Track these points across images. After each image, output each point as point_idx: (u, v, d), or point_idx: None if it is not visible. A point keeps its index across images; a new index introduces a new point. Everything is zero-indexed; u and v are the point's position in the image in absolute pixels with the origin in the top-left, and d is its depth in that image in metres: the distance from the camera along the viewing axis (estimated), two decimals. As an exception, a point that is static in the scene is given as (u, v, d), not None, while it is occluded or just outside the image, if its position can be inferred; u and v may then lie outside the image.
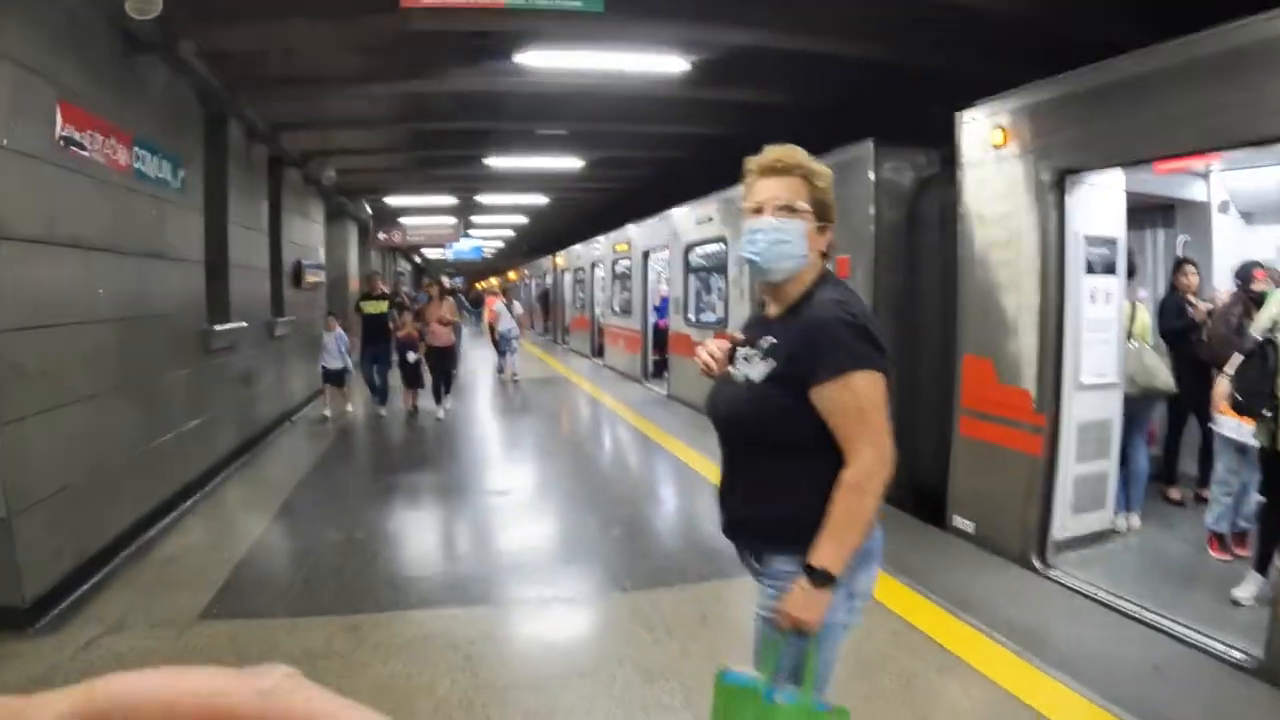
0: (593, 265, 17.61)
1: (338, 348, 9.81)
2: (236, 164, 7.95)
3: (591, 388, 13.28)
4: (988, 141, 5.03)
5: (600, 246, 16.59)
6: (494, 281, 37.36)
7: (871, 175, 6.22)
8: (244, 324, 7.74)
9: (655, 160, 12.56)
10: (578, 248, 19.29)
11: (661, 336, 12.93)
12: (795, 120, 8.69)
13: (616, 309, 15.48)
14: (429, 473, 7.70)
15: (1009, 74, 5.06)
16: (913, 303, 6.17)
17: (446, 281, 18.37)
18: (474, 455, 8.69)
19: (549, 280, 24.62)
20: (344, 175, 12.58)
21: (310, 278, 11.49)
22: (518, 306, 16.44)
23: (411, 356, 10.09)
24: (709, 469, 7.10)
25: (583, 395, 12.87)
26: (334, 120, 9.38)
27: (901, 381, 6.60)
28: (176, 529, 5.69)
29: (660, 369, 13.04)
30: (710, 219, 9.77)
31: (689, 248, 10.78)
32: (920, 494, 5.87)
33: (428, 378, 10.33)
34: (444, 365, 10.20)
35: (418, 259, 33.01)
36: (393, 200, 16.49)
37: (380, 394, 10.28)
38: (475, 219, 20.99)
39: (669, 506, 6.61)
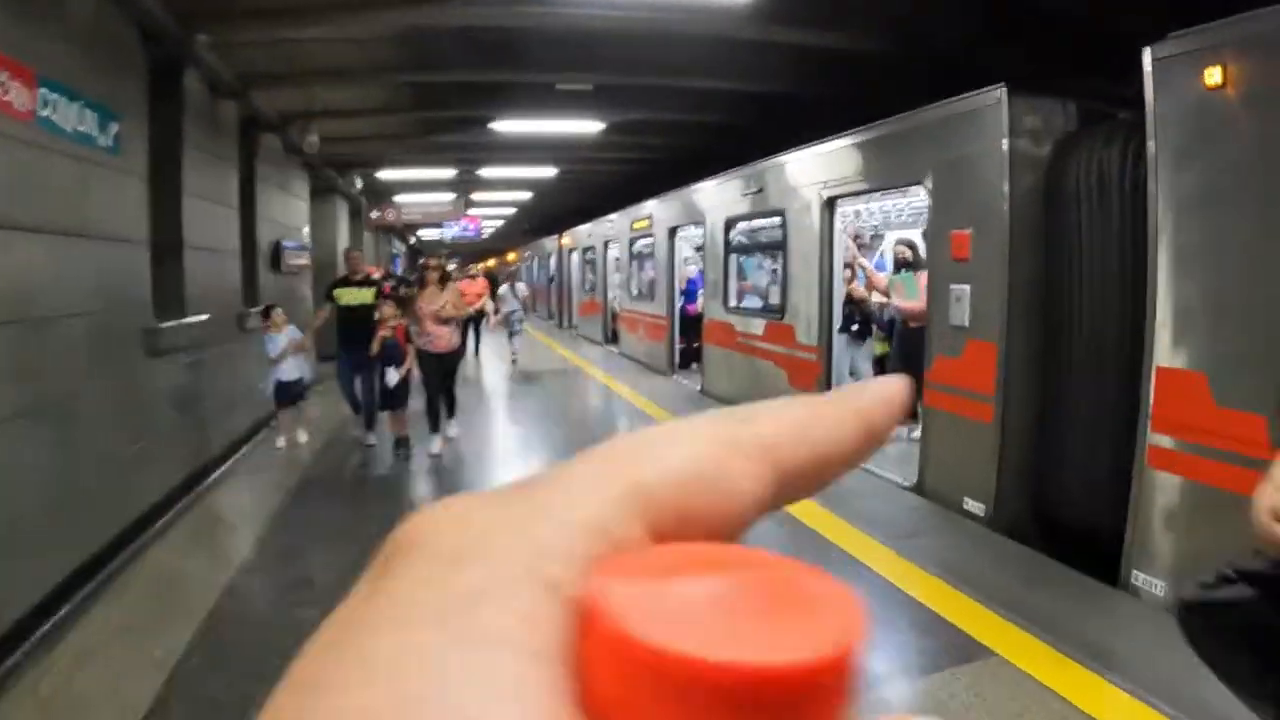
0: (605, 244, 16.06)
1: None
2: (196, 123, 6.47)
3: (613, 382, 11.71)
4: (1197, 85, 3.69)
5: (614, 223, 15.06)
6: (491, 263, 35.88)
7: (1005, 132, 4.96)
8: (204, 317, 6.29)
9: (684, 126, 10.99)
10: (587, 226, 17.75)
11: (690, 323, 11.47)
12: (875, 74, 7.27)
13: (635, 292, 13.94)
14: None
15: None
16: (1050, 294, 4.97)
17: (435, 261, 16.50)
18: (484, 480, 7.20)
19: (553, 262, 23.09)
20: (331, 144, 11.03)
21: (292, 260, 10.06)
22: (523, 288, 15.58)
23: (392, 377, 6.96)
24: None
25: (605, 391, 11.36)
26: (316, 71, 7.84)
27: (1036, 390, 5.01)
28: (86, 617, 3.96)
29: (687, 359, 11.60)
30: (761, 190, 8.29)
31: (731, 223, 9.26)
32: (1052, 528, 4.90)
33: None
34: (445, 376, 7.32)
35: (412, 240, 31.50)
36: (386, 174, 14.98)
37: (367, 414, 7.50)
38: (475, 196, 19.53)
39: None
